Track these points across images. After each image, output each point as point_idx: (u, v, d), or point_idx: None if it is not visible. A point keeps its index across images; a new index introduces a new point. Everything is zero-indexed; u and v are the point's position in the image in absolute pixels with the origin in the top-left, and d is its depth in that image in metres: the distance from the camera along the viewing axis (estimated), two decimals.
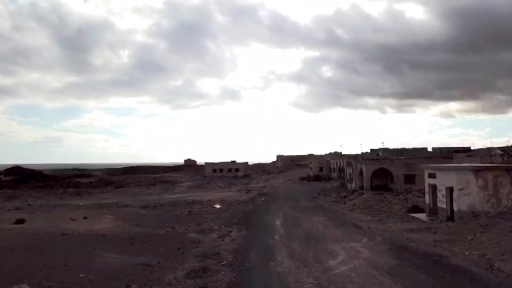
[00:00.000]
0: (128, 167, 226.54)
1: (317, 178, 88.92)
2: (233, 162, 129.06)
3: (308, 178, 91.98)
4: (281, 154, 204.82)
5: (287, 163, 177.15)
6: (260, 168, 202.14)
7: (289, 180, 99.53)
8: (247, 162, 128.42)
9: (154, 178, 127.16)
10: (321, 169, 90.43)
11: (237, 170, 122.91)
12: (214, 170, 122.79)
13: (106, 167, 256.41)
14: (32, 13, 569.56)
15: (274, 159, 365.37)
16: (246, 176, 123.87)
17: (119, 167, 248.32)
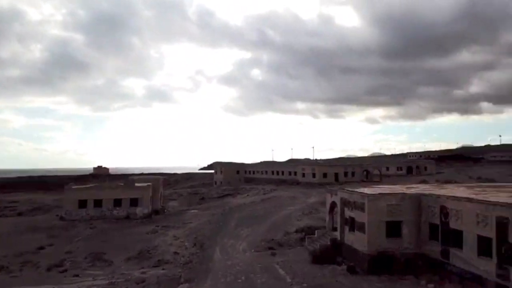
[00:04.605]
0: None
1: (383, 264, 23.90)
2: (129, 184, 60.25)
3: (349, 265, 26.37)
4: (220, 160, 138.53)
5: (230, 175, 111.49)
6: (188, 180, 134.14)
7: (269, 250, 33.49)
8: (156, 186, 59.51)
9: None
10: (396, 225, 24.98)
11: (134, 202, 54.11)
12: (83, 204, 52.97)
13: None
14: None
15: (204, 165, 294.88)
16: (154, 214, 55.98)
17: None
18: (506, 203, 18.70)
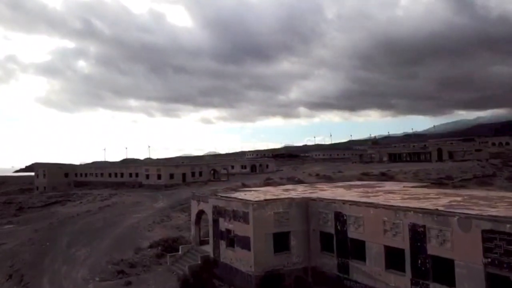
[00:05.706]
0: None
1: (272, 285, 19.81)
2: None
3: None
4: (42, 161, 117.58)
5: (56, 179, 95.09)
6: None
7: (119, 275, 26.03)
8: None
9: None
10: (284, 237, 21.11)
11: None
12: None
13: None
14: None
15: (22, 166, 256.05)
16: None
17: None
18: (421, 208, 16.51)
